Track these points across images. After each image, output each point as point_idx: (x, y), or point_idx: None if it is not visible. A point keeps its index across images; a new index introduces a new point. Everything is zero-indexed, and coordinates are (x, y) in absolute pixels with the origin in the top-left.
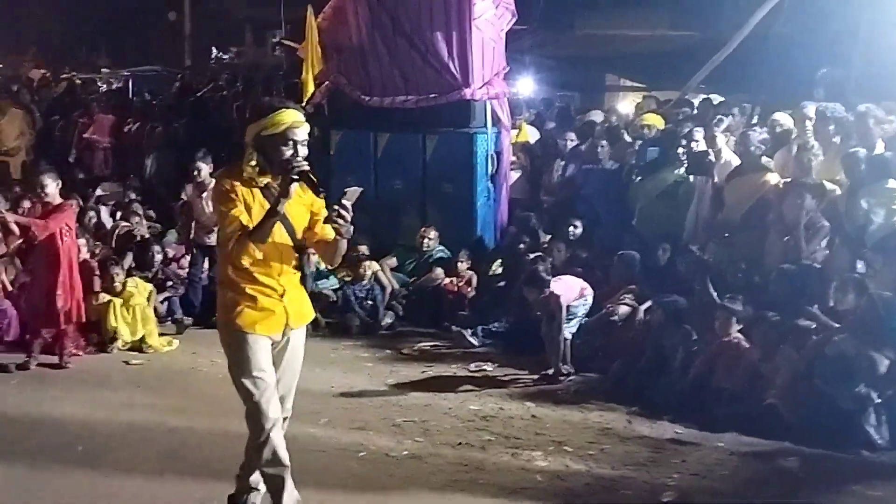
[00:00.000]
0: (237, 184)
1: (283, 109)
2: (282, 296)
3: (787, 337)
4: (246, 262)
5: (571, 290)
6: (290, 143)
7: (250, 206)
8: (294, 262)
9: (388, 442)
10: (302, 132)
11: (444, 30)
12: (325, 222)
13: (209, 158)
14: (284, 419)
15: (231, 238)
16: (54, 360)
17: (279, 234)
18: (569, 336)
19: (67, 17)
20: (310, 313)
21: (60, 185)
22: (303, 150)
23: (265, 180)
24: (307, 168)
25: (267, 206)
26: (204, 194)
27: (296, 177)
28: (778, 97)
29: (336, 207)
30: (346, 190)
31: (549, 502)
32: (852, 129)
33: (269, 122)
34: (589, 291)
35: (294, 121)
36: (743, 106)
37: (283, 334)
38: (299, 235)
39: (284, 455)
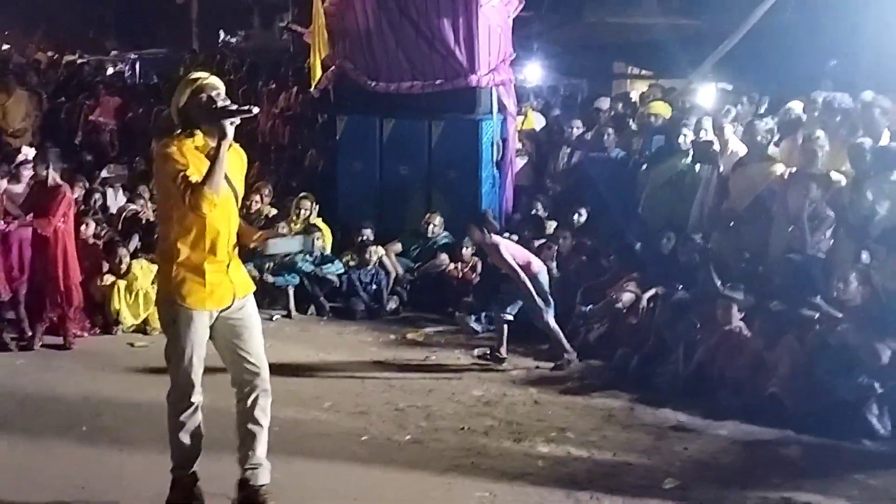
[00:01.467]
0: (183, 147)
1: (188, 75)
2: (228, 266)
3: (790, 326)
4: (194, 231)
5: (520, 254)
6: (204, 95)
7: (200, 170)
8: (236, 232)
9: (390, 426)
10: (213, 85)
11: (450, 16)
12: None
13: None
14: (260, 392)
15: (185, 194)
16: (59, 340)
17: (227, 200)
18: (509, 318)
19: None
20: (251, 283)
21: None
22: (222, 102)
23: (206, 147)
24: (231, 104)
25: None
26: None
27: (226, 115)
28: (786, 87)
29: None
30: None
31: (550, 488)
32: (859, 119)
33: (179, 93)
34: (539, 267)
35: (199, 78)
36: (751, 95)
37: (230, 306)
38: (239, 205)
39: (192, 450)
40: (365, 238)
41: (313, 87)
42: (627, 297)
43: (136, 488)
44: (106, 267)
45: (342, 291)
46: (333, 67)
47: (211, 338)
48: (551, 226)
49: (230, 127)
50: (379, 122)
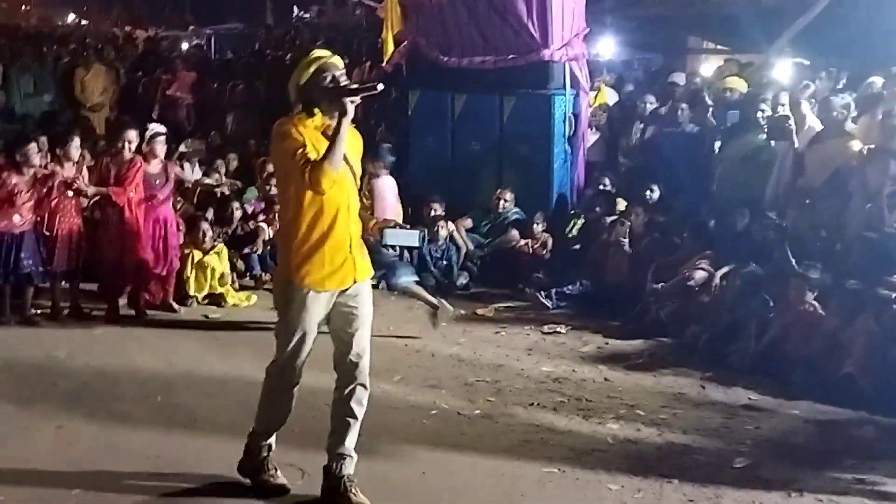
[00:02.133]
0: (300, 126)
1: (310, 54)
2: (350, 247)
3: (866, 306)
4: (314, 209)
5: (390, 207)
6: (328, 74)
7: (318, 149)
8: (357, 211)
9: (460, 401)
10: (335, 65)
11: None
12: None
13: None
14: (358, 385)
15: (304, 170)
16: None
17: (345, 179)
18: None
19: None
20: (370, 268)
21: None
22: (344, 81)
23: (324, 126)
24: (353, 84)
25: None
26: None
27: (348, 94)
28: (865, 62)
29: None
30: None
31: (619, 465)
32: None
33: (301, 71)
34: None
35: (322, 57)
36: (829, 70)
37: (348, 288)
38: (357, 184)
39: (277, 423)
40: (436, 213)
41: (385, 62)
42: (700, 274)
43: (209, 459)
44: (183, 240)
45: (413, 266)
46: (406, 42)
47: (327, 320)
48: (622, 203)
49: (351, 105)
50: (451, 97)
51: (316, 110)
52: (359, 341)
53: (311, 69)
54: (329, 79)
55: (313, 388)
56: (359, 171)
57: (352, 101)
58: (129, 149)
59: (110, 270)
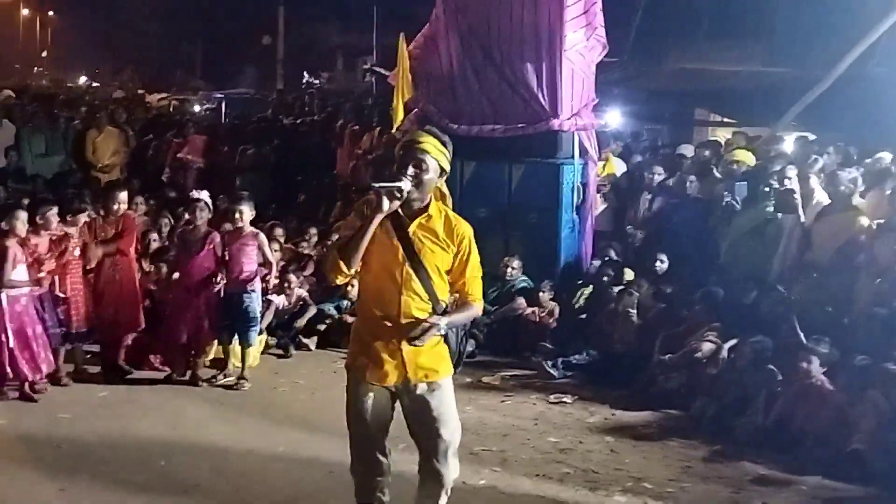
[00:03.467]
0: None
1: (409, 136)
2: (398, 342)
3: (875, 381)
4: (363, 294)
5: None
6: (394, 165)
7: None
8: (424, 305)
9: (465, 471)
10: (414, 153)
11: (534, 60)
12: None
13: (252, 203)
14: (436, 477)
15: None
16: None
17: (390, 269)
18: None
19: (164, 39)
20: (438, 369)
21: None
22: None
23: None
24: (387, 183)
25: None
26: (240, 241)
27: (374, 189)
28: (871, 138)
29: None
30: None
31: None
32: None
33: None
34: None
35: (410, 140)
36: (838, 145)
37: (402, 386)
38: (436, 279)
39: None
40: None
41: (395, 128)
42: (707, 346)
43: None
44: None
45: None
46: (416, 110)
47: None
48: (629, 272)
49: (385, 201)
50: (459, 164)
51: None
52: (436, 448)
53: (396, 148)
54: (393, 167)
55: None
56: (440, 264)
57: (387, 197)
58: (120, 209)
59: (112, 329)
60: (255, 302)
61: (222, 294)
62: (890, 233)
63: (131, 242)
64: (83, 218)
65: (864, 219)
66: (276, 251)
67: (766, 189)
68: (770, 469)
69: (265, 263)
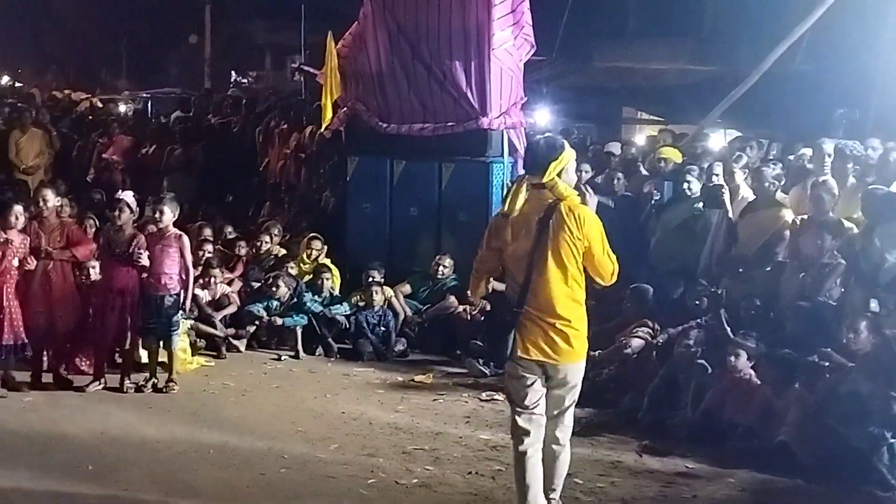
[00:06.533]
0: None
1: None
2: (537, 321)
3: (800, 374)
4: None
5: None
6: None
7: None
8: (565, 291)
9: (397, 469)
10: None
11: (462, 59)
12: None
13: (175, 204)
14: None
15: None
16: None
17: (521, 254)
18: None
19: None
20: (570, 350)
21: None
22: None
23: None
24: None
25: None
26: (162, 242)
27: None
28: (795, 134)
29: None
30: None
31: None
32: (870, 167)
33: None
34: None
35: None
36: (760, 141)
37: (548, 365)
38: (571, 264)
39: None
40: (374, 279)
41: (324, 127)
42: (637, 342)
43: None
44: None
45: (350, 332)
46: (345, 109)
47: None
48: None
49: None
50: (390, 163)
51: None
52: (554, 430)
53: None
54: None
55: None
56: (575, 255)
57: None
58: (48, 208)
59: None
60: (176, 305)
61: (143, 296)
62: (815, 229)
63: (90, 255)
64: (22, 221)
65: (789, 213)
66: (209, 253)
67: (685, 188)
68: (699, 462)
69: (184, 270)
